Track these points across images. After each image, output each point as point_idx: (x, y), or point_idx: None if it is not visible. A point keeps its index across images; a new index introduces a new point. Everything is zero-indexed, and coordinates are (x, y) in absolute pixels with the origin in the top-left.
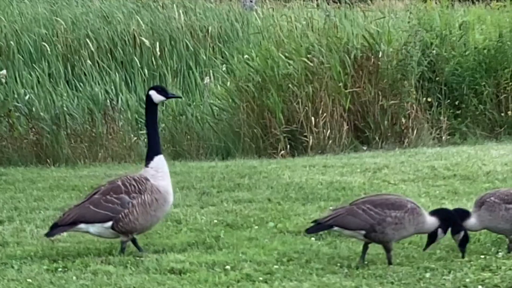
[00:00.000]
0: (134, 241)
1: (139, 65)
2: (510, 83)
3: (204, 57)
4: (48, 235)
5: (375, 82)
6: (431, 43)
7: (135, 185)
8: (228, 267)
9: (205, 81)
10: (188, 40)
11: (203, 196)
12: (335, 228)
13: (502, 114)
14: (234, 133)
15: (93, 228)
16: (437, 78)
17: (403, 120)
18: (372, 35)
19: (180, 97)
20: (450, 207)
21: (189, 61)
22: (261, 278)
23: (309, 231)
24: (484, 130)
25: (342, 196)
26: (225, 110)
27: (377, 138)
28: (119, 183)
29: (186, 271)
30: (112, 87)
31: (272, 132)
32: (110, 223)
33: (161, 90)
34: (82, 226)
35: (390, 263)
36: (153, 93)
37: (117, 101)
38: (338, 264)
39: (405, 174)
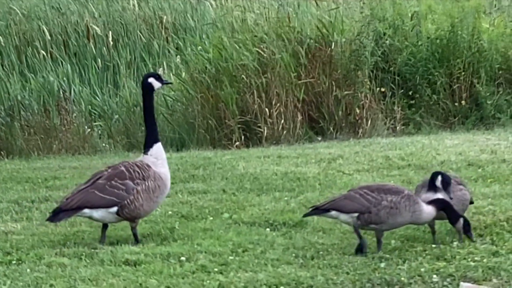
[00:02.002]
0: (104, 228)
1: (92, 56)
2: (463, 73)
3: (158, 48)
4: (52, 220)
5: (329, 72)
6: (384, 33)
7: (139, 171)
8: (183, 258)
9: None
10: (142, 31)
11: None
12: (332, 212)
13: (456, 104)
14: (189, 124)
15: (97, 213)
16: (390, 68)
17: (357, 111)
18: (325, 25)
19: (171, 83)
20: None
21: (142, 52)
22: (216, 269)
23: (306, 215)
24: (438, 119)
25: (297, 186)
26: (179, 101)
27: (331, 129)
28: (123, 168)
29: (141, 262)
30: (65, 78)
31: (226, 123)
32: (115, 208)
33: (158, 77)
34: (86, 211)
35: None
36: (152, 80)
37: (70, 92)
38: (293, 255)
39: (360, 164)
